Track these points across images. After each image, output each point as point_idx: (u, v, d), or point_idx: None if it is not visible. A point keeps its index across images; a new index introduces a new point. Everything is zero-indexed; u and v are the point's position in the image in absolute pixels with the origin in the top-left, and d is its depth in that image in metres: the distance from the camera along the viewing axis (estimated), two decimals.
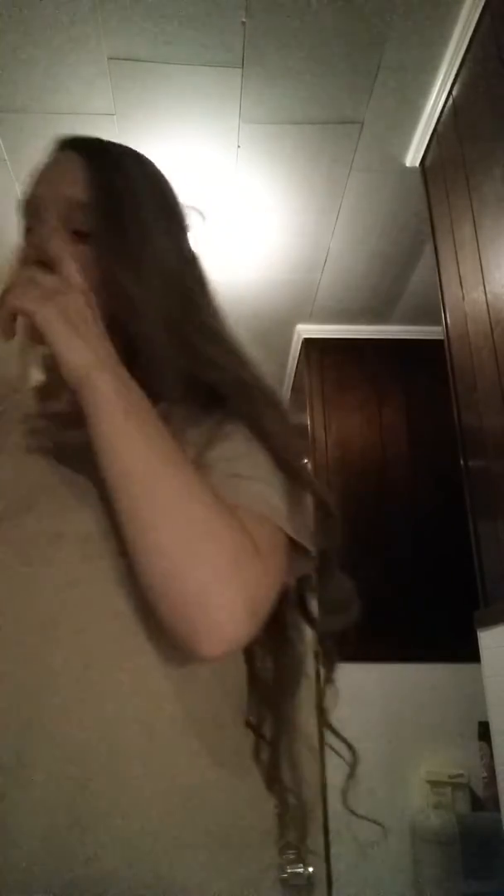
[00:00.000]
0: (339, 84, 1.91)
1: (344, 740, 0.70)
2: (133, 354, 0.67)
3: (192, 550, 0.54)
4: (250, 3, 1.69)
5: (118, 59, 1.83)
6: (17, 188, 2.23)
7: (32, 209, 0.70)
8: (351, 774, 0.70)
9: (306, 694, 0.73)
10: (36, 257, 0.62)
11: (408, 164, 2.16)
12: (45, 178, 0.71)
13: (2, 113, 1.97)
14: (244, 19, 1.73)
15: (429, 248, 2.15)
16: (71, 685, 0.56)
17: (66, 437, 0.66)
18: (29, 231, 0.70)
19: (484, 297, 1.68)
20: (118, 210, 0.68)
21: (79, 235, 0.66)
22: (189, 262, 0.74)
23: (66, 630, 0.58)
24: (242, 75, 1.88)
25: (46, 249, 0.62)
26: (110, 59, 1.82)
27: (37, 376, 0.72)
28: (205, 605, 0.53)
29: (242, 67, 1.85)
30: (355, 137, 2.09)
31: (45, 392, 0.73)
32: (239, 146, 2.09)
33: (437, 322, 2.03)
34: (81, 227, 0.67)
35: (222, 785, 0.59)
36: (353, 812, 0.70)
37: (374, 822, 0.74)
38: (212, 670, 0.62)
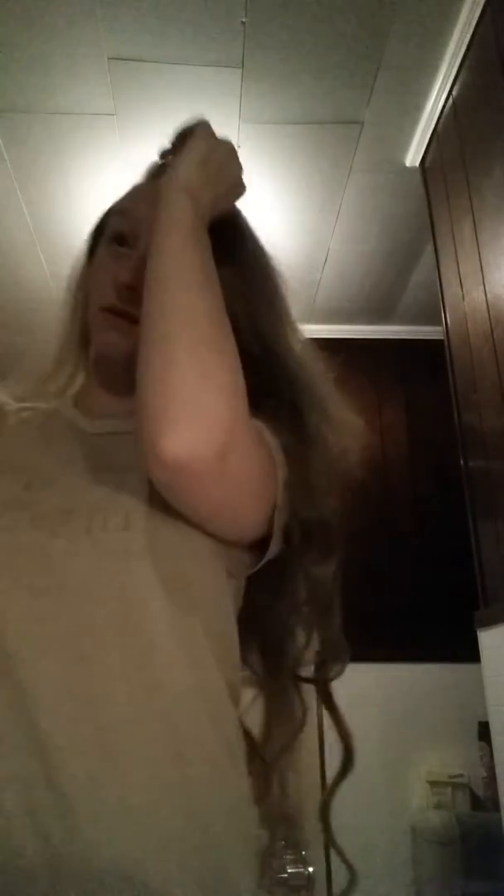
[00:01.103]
0: (339, 84, 1.91)
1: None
2: None
3: (199, 365, 0.59)
4: (250, 3, 1.69)
5: (118, 59, 1.83)
6: (17, 188, 2.23)
7: (130, 226, 0.76)
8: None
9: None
10: (128, 281, 0.71)
11: (408, 164, 2.16)
12: (147, 203, 0.74)
13: (2, 113, 1.97)
14: (244, 19, 1.73)
15: (429, 248, 2.15)
16: (63, 653, 0.57)
17: (94, 427, 0.74)
18: (120, 240, 0.76)
19: (484, 297, 1.68)
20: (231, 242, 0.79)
21: None
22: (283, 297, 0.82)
23: (65, 598, 0.59)
24: (242, 75, 1.88)
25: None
26: (110, 59, 1.82)
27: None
28: (190, 408, 0.57)
29: (242, 67, 1.86)
30: (355, 137, 2.09)
31: (79, 396, 0.80)
32: (239, 146, 2.09)
33: (437, 322, 2.03)
34: None
35: (213, 781, 0.58)
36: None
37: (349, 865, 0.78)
38: (218, 645, 0.63)
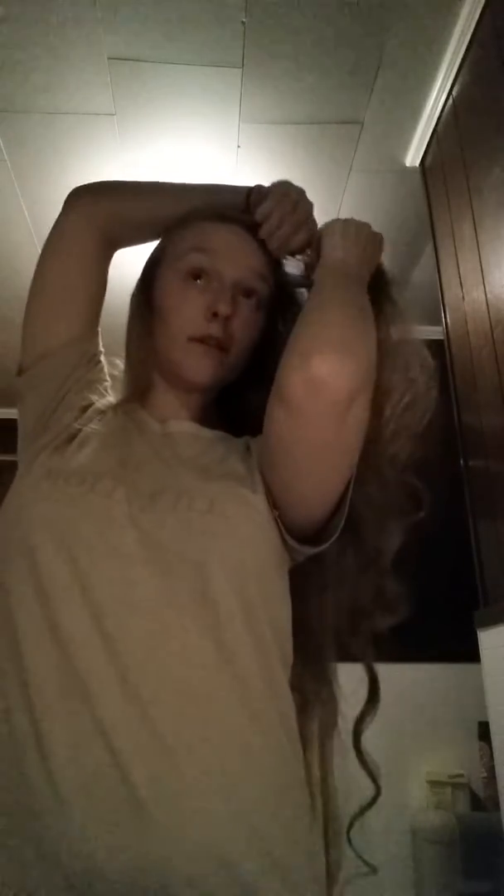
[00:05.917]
0: (339, 84, 1.91)
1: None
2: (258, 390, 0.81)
3: (349, 323, 0.70)
4: (250, 3, 1.69)
5: (118, 59, 1.83)
6: (17, 188, 2.23)
7: (211, 263, 0.83)
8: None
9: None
10: (227, 312, 0.80)
11: (408, 164, 2.16)
12: (226, 243, 0.84)
13: (2, 113, 1.97)
14: (244, 19, 1.73)
15: (429, 248, 2.15)
16: (147, 618, 0.64)
17: (162, 428, 0.83)
18: (202, 276, 0.83)
19: (484, 297, 1.68)
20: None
21: (248, 294, 0.84)
22: None
23: (151, 566, 0.67)
24: (242, 75, 1.88)
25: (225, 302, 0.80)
26: (110, 59, 1.82)
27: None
28: (342, 346, 0.66)
29: (242, 67, 1.85)
30: (355, 137, 2.09)
31: (142, 401, 0.88)
32: (239, 146, 2.09)
33: (437, 322, 2.03)
34: (253, 286, 0.84)
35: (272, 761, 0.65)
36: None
37: (367, 864, 0.87)
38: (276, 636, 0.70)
